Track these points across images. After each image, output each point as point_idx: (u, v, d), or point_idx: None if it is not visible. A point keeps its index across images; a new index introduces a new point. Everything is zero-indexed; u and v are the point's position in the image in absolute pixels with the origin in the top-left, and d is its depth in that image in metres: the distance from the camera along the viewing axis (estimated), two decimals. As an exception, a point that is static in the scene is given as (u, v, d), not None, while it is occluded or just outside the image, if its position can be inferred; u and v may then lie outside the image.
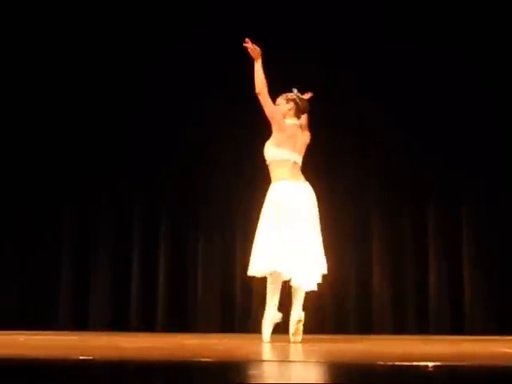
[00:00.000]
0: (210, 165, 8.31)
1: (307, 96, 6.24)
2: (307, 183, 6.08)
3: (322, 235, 6.06)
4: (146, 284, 8.38)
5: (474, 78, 7.96)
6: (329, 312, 8.08)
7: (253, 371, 3.75)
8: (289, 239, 5.87)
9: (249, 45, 6.04)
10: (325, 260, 6.01)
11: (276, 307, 5.95)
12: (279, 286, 5.95)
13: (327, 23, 8.16)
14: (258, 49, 6.03)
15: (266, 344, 5.73)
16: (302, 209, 5.95)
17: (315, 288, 5.94)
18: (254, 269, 5.95)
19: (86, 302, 8.43)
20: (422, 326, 7.82)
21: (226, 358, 4.33)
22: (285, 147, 6.05)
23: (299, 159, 6.12)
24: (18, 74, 8.63)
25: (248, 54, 6.04)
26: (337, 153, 8.18)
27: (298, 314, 5.87)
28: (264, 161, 6.13)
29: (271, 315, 5.93)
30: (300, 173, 6.11)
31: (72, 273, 8.52)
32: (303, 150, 6.17)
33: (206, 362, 4.00)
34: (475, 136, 7.96)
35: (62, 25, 8.54)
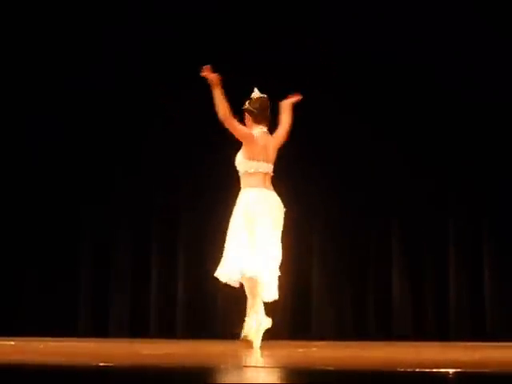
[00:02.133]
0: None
1: (292, 99, 6.15)
2: (274, 193, 6.05)
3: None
4: (164, 292, 8.40)
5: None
6: (349, 319, 8.06)
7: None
8: (257, 246, 5.88)
9: (206, 73, 5.93)
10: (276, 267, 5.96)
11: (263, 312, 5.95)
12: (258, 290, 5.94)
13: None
14: (216, 76, 5.92)
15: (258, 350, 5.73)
16: (269, 217, 5.94)
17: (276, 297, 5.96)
18: (227, 276, 5.95)
19: (105, 309, 8.45)
20: (443, 333, 7.78)
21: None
22: (258, 159, 6.03)
23: (271, 169, 6.10)
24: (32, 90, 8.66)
25: (207, 81, 5.92)
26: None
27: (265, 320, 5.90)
28: (236, 170, 6.13)
29: (263, 321, 5.92)
30: (270, 182, 6.09)
31: (90, 281, 8.54)
32: (275, 156, 6.14)
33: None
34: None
35: (60, 27, 8.58)
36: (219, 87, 5.91)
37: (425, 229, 8.06)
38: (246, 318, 5.91)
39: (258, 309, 5.87)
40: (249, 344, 5.80)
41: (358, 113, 8.13)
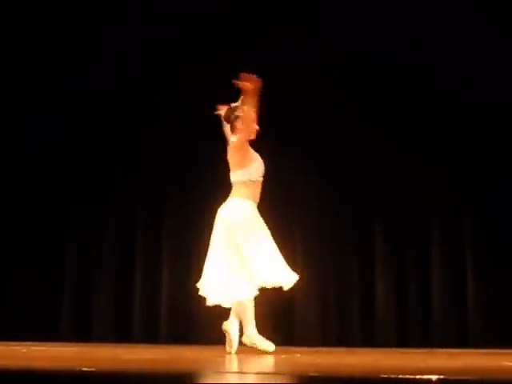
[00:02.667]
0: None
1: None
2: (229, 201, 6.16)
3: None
4: (148, 296, 8.37)
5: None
6: (332, 325, 8.06)
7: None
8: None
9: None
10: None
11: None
12: None
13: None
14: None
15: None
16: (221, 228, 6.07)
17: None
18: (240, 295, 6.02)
19: (88, 313, 8.42)
20: (426, 339, 7.79)
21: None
22: (252, 167, 6.18)
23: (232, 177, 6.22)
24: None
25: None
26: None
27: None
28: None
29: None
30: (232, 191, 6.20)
31: (75, 284, 8.51)
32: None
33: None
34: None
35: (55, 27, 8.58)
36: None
37: (409, 231, 8.05)
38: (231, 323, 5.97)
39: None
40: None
41: (347, 113, 8.12)
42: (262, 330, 7.97)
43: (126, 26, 8.48)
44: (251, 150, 6.20)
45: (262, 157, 6.31)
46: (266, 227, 6.17)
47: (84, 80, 8.54)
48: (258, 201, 6.19)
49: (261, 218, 6.15)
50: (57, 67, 8.59)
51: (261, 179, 6.18)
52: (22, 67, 8.64)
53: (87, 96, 8.57)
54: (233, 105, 6.22)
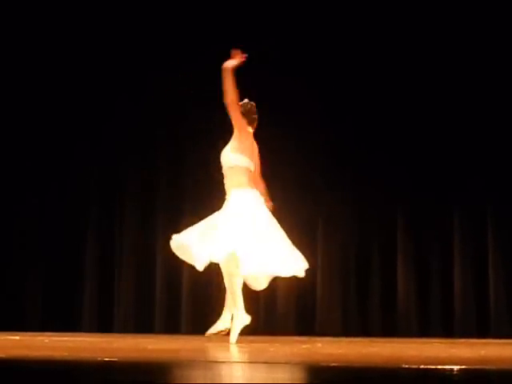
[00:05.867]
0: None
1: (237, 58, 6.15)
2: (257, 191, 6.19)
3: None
4: (169, 287, 8.39)
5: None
6: (353, 315, 8.06)
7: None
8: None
9: (236, 53, 6.10)
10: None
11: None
12: None
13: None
14: (241, 59, 6.09)
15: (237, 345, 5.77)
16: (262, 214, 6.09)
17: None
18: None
19: (110, 304, 8.46)
20: (448, 329, 7.78)
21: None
22: (245, 154, 6.14)
23: (253, 167, 6.21)
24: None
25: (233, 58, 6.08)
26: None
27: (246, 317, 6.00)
28: (220, 167, 6.21)
29: (245, 318, 5.96)
30: (254, 181, 6.22)
31: (96, 276, 8.55)
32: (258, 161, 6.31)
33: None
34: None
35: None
36: (234, 72, 6.04)
37: (430, 221, 8.03)
38: (224, 313, 6.01)
39: (239, 305, 5.94)
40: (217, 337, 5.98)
41: (362, 106, 8.16)
42: (285, 319, 8.02)
43: (125, 25, 8.47)
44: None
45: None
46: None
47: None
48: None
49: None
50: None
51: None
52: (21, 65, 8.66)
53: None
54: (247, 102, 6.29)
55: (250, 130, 6.26)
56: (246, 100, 6.26)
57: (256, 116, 6.27)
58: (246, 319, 5.91)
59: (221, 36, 8.14)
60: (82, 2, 8.49)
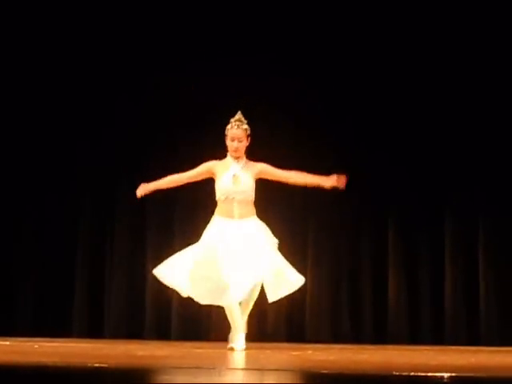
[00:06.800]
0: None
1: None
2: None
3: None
4: (160, 292, 8.38)
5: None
6: (344, 322, 8.06)
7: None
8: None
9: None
10: None
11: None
12: None
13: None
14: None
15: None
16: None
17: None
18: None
19: (100, 310, 8.44)
20: (438, 337, 7.79)
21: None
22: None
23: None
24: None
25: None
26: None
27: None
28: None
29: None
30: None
31: (87, 280, 8.53)
32: None
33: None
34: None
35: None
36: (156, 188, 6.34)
37: (421, 229, 8.04)
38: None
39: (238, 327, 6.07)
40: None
41: (355, 111, 8.18)
42: (275, 326, 8.01)
43: (124, 24, 8.48)
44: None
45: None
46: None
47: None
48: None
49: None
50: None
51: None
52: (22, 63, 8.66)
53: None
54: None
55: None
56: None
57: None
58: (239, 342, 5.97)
59: (221, 36, 8.19)
60: (83, 2, 8.51)
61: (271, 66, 8.09)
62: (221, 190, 6.23)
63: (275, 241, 6.20)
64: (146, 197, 6.41)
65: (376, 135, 8.16)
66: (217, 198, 6.27)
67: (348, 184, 7.94)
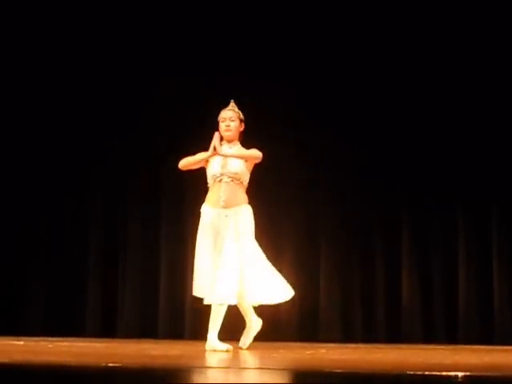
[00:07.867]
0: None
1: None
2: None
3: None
4: (173, 291, 8.39)
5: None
6: (357, 321, 8.05)
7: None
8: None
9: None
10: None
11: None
12: None
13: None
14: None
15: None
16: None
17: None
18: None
19: (114, 309, 8.45)
20: (452, 336, 7.77)
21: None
22: None
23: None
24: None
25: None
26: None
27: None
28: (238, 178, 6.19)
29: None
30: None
31: (100, 279, 8.54)
32: None
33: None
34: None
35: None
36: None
37: (434, 228, 8.02)
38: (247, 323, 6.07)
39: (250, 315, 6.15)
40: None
41: (362, 110, 8.18)
42: (288, 325, 8.01)
43: (123, 24, 8.47)
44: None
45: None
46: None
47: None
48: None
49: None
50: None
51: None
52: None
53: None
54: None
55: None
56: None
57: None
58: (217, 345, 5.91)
59: (221, 36, 8.19)
60: (85, 4, 8.51)
61: (271, 66, 8.10)
62: (209, 172, 6.18)
63: (249, 242, 6.07)
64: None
65: (388, 135, 8.15)
66: (208, 185, 6.21)
67: (361, 184, 7.96)
